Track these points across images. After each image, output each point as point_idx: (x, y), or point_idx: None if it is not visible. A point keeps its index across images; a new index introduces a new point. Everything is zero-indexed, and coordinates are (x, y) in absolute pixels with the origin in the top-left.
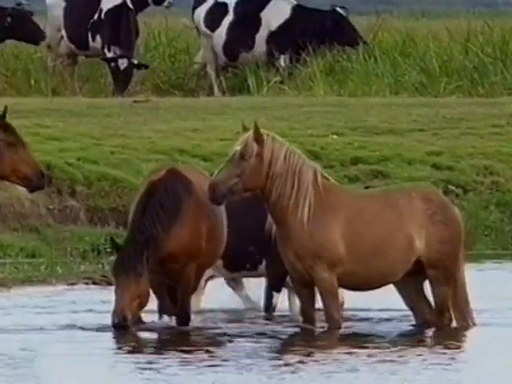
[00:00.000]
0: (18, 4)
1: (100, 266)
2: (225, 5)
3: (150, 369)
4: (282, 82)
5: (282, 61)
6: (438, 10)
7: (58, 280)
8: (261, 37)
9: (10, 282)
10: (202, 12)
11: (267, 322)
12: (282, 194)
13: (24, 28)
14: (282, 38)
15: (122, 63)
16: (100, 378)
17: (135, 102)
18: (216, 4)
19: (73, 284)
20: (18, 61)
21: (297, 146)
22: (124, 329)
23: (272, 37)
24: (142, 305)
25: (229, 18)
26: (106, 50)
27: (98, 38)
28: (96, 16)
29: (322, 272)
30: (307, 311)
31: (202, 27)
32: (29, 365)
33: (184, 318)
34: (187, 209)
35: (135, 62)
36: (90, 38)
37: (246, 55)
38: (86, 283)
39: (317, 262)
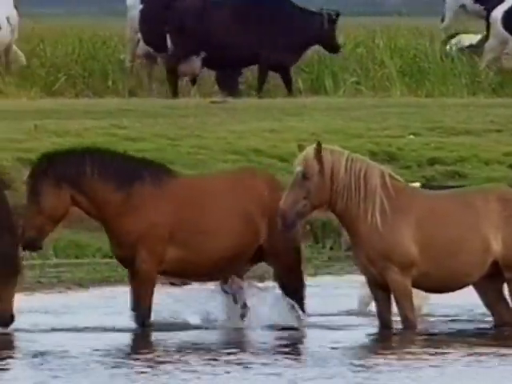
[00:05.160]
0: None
1: None
2: None
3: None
4: (358, 83)
5: None
6: None
7: None
8: None
9: (88, 282)
10: (499, 13)
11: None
12: (350, 204)
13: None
14: None
15: None
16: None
17: (212, 102)
18: None
19: None
20: (95, 62)
21: (373, 146)
22: (32, 248)
23: None
24: (53, 220)
25: None
26: None
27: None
28: None
29: (395, 274)
30: (384, 314)
31: (500, 28)
32: (105, 365)
33: None
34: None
35: None
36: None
37: None
38: (162, 283)
39: (388, 264)
